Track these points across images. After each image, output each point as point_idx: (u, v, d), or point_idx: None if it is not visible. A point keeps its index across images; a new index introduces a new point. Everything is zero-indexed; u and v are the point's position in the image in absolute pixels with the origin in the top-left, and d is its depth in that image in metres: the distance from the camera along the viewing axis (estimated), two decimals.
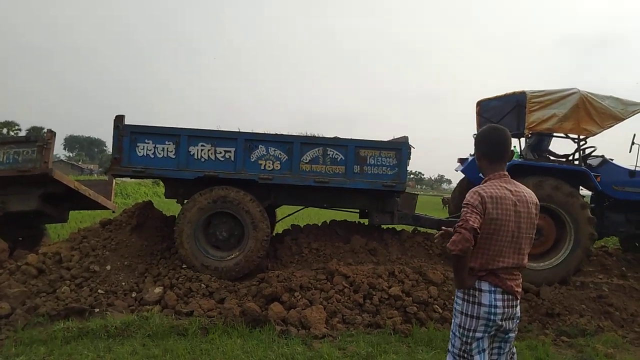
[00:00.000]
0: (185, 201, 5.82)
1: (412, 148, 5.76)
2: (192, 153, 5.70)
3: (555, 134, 6.59)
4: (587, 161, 6.49)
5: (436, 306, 5.03)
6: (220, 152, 5.71)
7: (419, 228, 6.95)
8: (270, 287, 5.08)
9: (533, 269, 5.85)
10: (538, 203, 2.35)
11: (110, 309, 4.79)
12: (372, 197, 6.18)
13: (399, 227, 6.86)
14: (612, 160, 6.52)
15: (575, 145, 6.44)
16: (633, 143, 6.08)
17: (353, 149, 5.70)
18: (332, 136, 5.97)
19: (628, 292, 6.18)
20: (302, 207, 6.81)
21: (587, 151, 6.56)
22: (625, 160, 6.58)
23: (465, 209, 2.22)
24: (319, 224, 6.82)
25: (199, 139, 5.71)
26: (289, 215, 7.32)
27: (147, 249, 6.00)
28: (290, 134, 5.84)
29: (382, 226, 6.70)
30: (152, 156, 5.69)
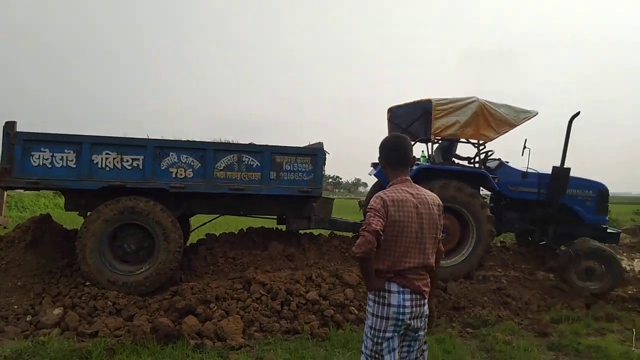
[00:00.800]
0: (89, 213, 5.41)
1: (327, 154, 5.87)
2: (95, 162, 5.33)
3: (458, 140, 7.08)
4: (486, 164, 7.02)
5: (352, 308, 5.13)
6: (128, 161, 5.40)
7: (335, 232, 7.08)
8: (184, 299, 4.89)
9: (440, 266, 6.20)
10: (441, 204, 2.48)
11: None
12: (289, 203, 6.18)
13: (316, 232, 6.94)
14: (507, 162, 7.13)
15: (476, 150, 6.98)
16: (525, 147, 6.69)
17: (269, 155, 5.67)
18: (247, 142, 5.88)
19: (523, 282, 6.79)
20: (217, 215, 6.63)
21: (487, 155, 7.11)
22: (519, 162, 7.21)
23: (368, 213, 2.29)
24: (236, 232, 6.70)
25: (104, 146, 5.36)
26: (203, 224, 7.10)
27: (44, 267, 5.51)
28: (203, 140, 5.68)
29: (300, 231, 6.74)
30: (50, 166, 5.24)
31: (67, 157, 5.27)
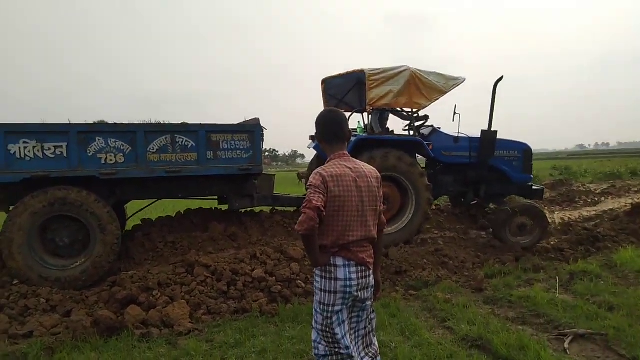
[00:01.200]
0: (12, 207, 4.98)
1: (264, 130, 5.76)
2: (12, 152, 4.90)
3: (393, 109, 7.20)
4: (420, 131, 7.22)
5: (299, 281, 5.18)
6: (50, 149, 5.01)
7: (277, 208, 7.06)
8: (125, 289, 4.71)
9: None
10: (379, 177, 2.51)
11: None
12: (229, 182, 6.06)
13: (257, 209, 6.88)
14: (439, 128, 7.38)
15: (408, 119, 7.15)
16: (455, 113, 6.94)
17: (204, 135, 5.49)
18: (180, 122, 5.63)
19: (458, 242, 7.17)
20: (154, 200, 6.36)
21: (421, 122, 7.32)
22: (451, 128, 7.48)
23: (309, 190, 2.29)
24: (173, 215, 6.49)
25: (20, 135, 4.93)
26: (141, 209, 6.81)
27: None
28: (131, 122, 5.36)
29: (241, 210, 6.65)
30: None
31: None
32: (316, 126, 2.52)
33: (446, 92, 6.95)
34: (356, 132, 7.08)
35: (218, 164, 5.58)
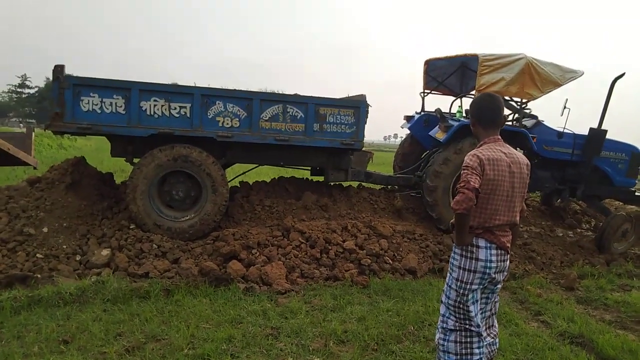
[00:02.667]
0: (144, 156, 5.43)
1: (369, 106, 5.83)
2: (144, 108, 5.29)
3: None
4: (522, 122, 7.00)
5: (387, 258, 5.31)
6: (175, 108, 5.37)
7: (363, 184, 7.18)
8: (228, 245, 5.04)
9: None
10: (529, 164, 2.54)
11: (54, 274, 4.48)
12: (329, 155, 6.23)
13: (345, 184, 7.04)
14: (543, 121, 7.10)
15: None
16: (565, 107, 6.62)
17: (313, 107, 5.65)
18: (292, 93, 5.83)
19: (544, 238, 6.99)
20: (256, 165, 6.68)
21: (524, 112, 7.07)
22: (554, 121, 7.19)
23: (465, 171, 2.34)
24: (268, 181, 6.78)
25: (152, 93, 5.30)
26: (243, 173, 7.14)
27: (86, 209, 5.60)
28: (248, 89, 5.63)
29: (329, 183, 6.83)
30: (99, 111, 5.20)
31: (116, 102, 5.22)
32: (473, 109, 2.56)
33: (561, 85, 6.64)
34: (455, 116, 6.99)
35: (323, 136, 5.74)
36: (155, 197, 5.49)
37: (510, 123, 6.98)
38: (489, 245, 2.42)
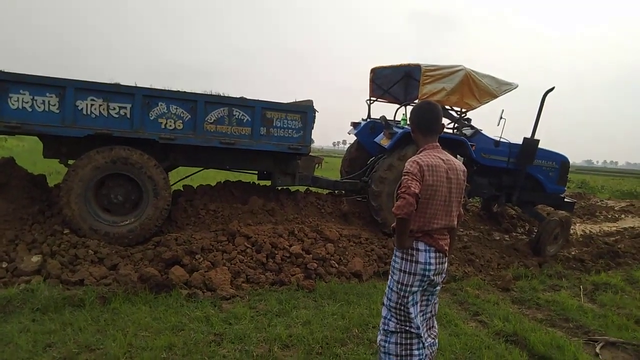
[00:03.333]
0: (80, 158, 5.16)
1: (316, 112, 5.86)
2: (80, 108, 5.02)
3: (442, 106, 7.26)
4: (462, 130, 7.30)
5: (333, 262, 5.35)
6: (114, 108, 5.13)
7: (310, 188, 7.20)
8: (170, 250, 4.88)
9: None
10: (465, 170, 2.64)
11: None
12: (276, 159, 6.19)
13: (292, 188, 7.03)
14: (481, 131, 7.44)
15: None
16: (501, 117, 6.99)
17: (260, 111, 5.60)
18: (238, 96, 5.75)
19: (482, 242, 7.31)
20: (201, 168, 6.53)
21: (467, 122, 7.38)
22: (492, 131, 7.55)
23: (406, 177, 2.40)
24: (213, 185, 6.64)
25: (89, 92, 5.04)
26: (187, 176, 6.95)
27: (14, 213, 5.25)
28: (193, 91, 5.47)
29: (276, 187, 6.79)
30: (30, 110, 4.89)
31: (49, 101, 4.92)
32: (413, 116, 2.63)
33: (497, 96, 6.99)
34: (399, 124, 7.17)
35: (270, 140, 5.70)
36: (92, 201, 5.22)
37: (450, 131, 7.25)
38: (428, 248, 2.49)
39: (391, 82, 7.76)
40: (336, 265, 5.33)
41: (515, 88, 7.14)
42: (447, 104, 6.84)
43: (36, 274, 4.46)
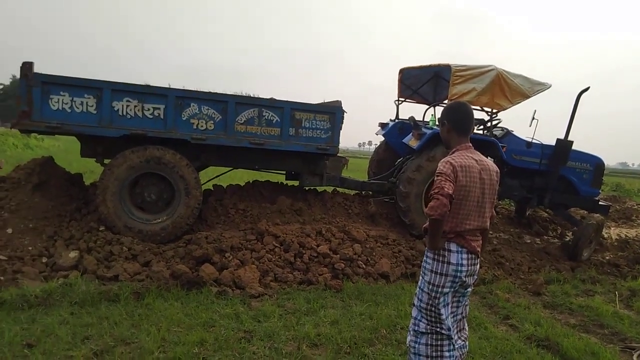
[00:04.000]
0: (115, 157, 5.34)
1: (345, 112, 5.88)
2: (116, 109, 5.20)
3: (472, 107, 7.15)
4: (492, 131, 7.18)
5: (360, 262, 5.35)
6: (149, 109, 5.29)
7: (337, 189, 7.21)
8: (201, 248, 4.98)
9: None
10: (498, 171, 2.62)
11: (19, 276, 4.33)
12: (304, 159, 6.24)
13: (320, 189, 7.06)
14: (512, 131, 7.31)
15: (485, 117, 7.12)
16: (533, 118, 6.83)
17: (289, 111, 5.66)
18: (267, 97, 5.82)
19: (513, 245, 7.17)
20: (230, 168, 6.63)
21: (494, 123, 7.26)
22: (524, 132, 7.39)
23: (439, 177, 2.40)
24: (242, 185, 6.74)
25: (124, 93, 5.22)
26: (217, 176, 7.07)
27: (53, 210, 5.46)
28: (224, 92, 5.57)
29: (304, 188, 6.83)
30: (69, 110, 5.08)
31: (87, 102, 5.11)
32: (449, 116, 2.61)
33: (530, 97, 6.85)
34: (427, 124, 7.11)
35: (298, 141, 5.76)
36: (127, 199, 5.39)
37: (480, 132, 7.15)
38: (460, 249, 2.47)
39: (420, 82, 7.71)
40: (363, 265, 5.33)
41: (549, 88, 6.97)
42: (477, 105, 6.72)
43: (74, 269, 4.63)
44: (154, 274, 4.57)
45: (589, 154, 7.53)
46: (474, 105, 6.75)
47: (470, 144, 2.58)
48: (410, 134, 6.82)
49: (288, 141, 5.71)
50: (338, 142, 5.92)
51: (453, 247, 2.48)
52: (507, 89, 6.61)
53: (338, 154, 6.31)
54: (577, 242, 6.91)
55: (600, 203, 7.64)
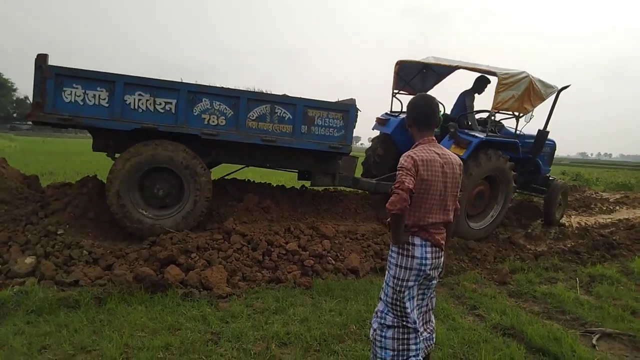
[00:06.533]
0: (126, 151, 5.30)
1: (359, 111, 5.82)
2: (128, 102, 5.15)
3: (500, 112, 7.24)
4: (490, 126, 7.33)
5: (330, 258, 5.33)
6: (160, 104, 5.25)
7: (306, 185, 7.16)
8: (165, 249, 4.86)
9: (473, 228, 6.99)
10: (461, 164, 2.63)
11: None
12: (316, 158, 6.17)
13: (288, 185, 7.00)
14: (503, 125, 7.85)
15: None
16: (531, 115, 7.16)
17: (302, 109, 5.59)
18: (280, 94, 5.73)
19: None
20: (242, 166, 6.54)
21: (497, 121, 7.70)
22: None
23: (400, 172, 2.39)
24: None
25: (137, 87, 5.17)
26: (228, 174, 6.94)
27: (7, 214, 5.21)
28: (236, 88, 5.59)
29: (272, 184, 6.76)
30: (82, 103, 5.06)
31: (99, 95, 5.09)
32: (410, 110, 2.61)
33: (545, 100, 7.14)
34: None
35: (311, 138, 5.66)
36: (136, 193, 5.40)
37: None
38: (424, 243, 2.48)
39: (411, 74, 7.89)
40: (333, 261, 5.31)
41: (557, 90, 7.33)
42: (511, 110, 6.90)
43: (30, 276, 4.43)
44: (117, 278, 4.41)
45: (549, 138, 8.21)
46: (508, 110, 6.92)
47: (434, 138, 2.58)
48: (451, 141, 6.71)
49: (300, 139, 5.63)
50: (351, 141, 5.84)
51: (417, 240, 2.48)
52: (532, 94, 6.80)
53: (351, 154, 6.22)
54: (549, 205, 8.16)
55: (550, 178, 8.73)
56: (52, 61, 4.97)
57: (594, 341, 3.88)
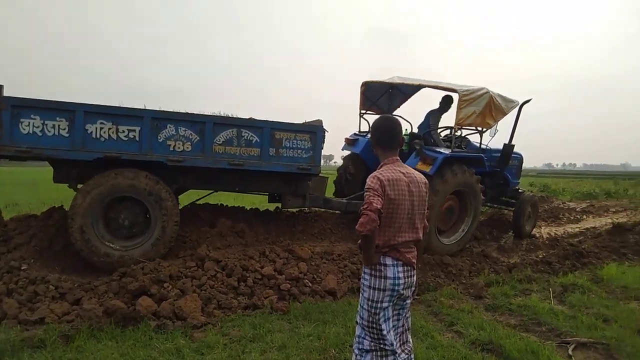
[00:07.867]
0: (88, 182, 5.15)
1: (326, 132, 5.84)
2: (89, 131, 5.01)
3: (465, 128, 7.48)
4: (455, 142, 7.55)
5: (306, 281, 5.26)
6: (124, 131, 5.12)
7: (279, 208, 7.11)
8: (136, 280, 4.70)
9: (445, 243, 7.04)
10: (427, 183, 2.66)
11: None
12: (286, 180, 6.13)
13: (262, 208, 6.93)
14: (470, 140, 8.03)
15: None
16: (496, 129, 7.38)
17: (269, 131, 5.57)
18: (246, 117, 5.69)
19: None
20: (210, 191, 6.46)
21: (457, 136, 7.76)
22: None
23: (368, 193, 2.40)
24: (180, 209, 6.47)
25: (98, 115, 5.04)
26: (198, 199, 6.83)
27: None
28: (202, 113, 5.51)
29: (245, 207, 6.68)
30: (41, 134, 4.90)
31: (59, 125, 4.93)
32: (373, 131, 2.64)
33: (506, 114, 7.37)
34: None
35: (279, 161, 5.63)
36: (101, 226, 5.24)
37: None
38: (395, 262, 2.48)
39: (377, 94, 8.04)
40: (310, 284, 5.24)
41: (518, 104, 7.59)
42: (473, 125, 7.07)
43: None
44: (85, 313, 4.22)
45: (516, 151, 8.49)
46: (471, 126, 7.09)
47: (398, 158, 2.60)
48: (418, 158, 6.81)
49: (268, 161, 5.60)
50: (320, 162, 5.86)
51: (389, 261, 2.48)
52: (494, 109, 7.00)
53: (320, 174, 6.22)
54: (518, 218, 8.39)
55: (519, 190, 8.99)
56: (7, 92, 4.85)
57: (570, 352, 3.93)
